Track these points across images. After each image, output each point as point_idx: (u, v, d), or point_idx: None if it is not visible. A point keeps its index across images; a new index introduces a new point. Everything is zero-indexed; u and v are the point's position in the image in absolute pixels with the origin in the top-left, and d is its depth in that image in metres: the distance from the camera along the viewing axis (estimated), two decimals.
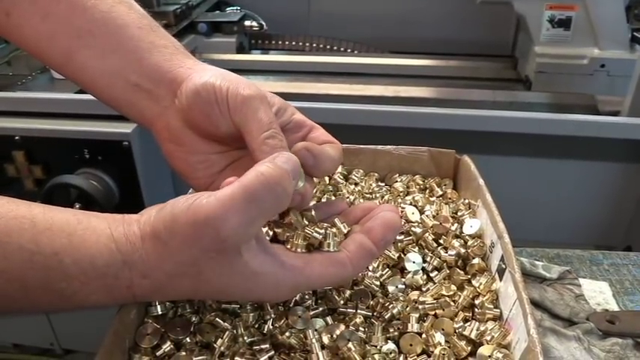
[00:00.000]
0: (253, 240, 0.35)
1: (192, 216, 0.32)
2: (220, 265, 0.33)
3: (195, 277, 0.34)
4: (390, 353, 0.40)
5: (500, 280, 0.44)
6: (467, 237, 0.50)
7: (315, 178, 0.55)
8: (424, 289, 0.46)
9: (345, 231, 0.41)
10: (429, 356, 0.40)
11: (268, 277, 0.35)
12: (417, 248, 0.49)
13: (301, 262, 0.37)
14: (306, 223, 0.40)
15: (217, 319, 0.41)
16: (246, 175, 0.33)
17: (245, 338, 0.40)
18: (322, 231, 0.38)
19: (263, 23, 1.41)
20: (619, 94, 1.04)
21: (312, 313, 0.42)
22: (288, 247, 0.38)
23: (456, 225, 0.51)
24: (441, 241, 0.50)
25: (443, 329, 0.41)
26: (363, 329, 0.41)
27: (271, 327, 0.41)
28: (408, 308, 0.43)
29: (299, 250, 0.38)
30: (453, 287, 0.45)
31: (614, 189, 0.95)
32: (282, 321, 0.41)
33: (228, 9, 1.52)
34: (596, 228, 0.99)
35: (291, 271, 0.36)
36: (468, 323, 0.42)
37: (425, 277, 0.47)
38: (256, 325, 0.42)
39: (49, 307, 0.35)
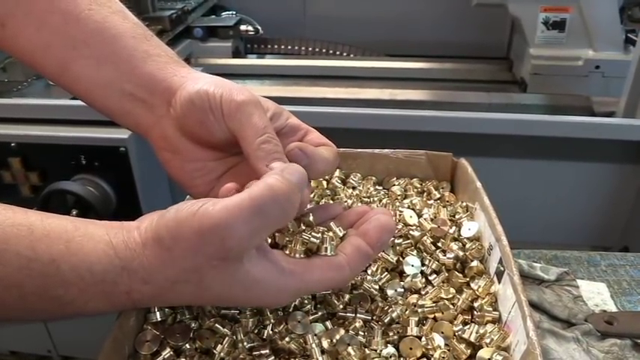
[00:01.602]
0: (254, 249, 0.35)
1: (198, 223, 0.32)
2: (222, 273, 0.33)
3: (197, 284, 0.34)
4: (390, 357, 0.40)
5: (499, 282, 0.44)
6: (465, 240, 0.50)
7: (312, 182, 0.55)
8: (423, 292, 0.46)
9: (341, 234, 0.41)
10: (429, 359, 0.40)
11: (269, 284, 0.35)
12: (415, 251, 0.49)
13: (300, 268, 0.37)
14: (303, 227, 0.40)
15: (217, 324, 0.41)
16: (254, 187, 0.34)
17: (245, 344, 0.40)
18: (319, 235, 0.39)
19: (259, 27, 1.42)
20: (614, 95, 1.05)
21: (311, 317, 0.42)
22: (287, 252, 0.38)
23: (454, 228, 0.51)
24: (440, 244, 0.50)
25: (442, 332, 0.42)
26: (362, 333, 0.41)
27: (271, 332, 0.41)
28: (407, 312, 0.43)
29: (297, 255, 0.38)
30: (452, 290, 0.45)
31: (610, 190, 0.95)
32: (282, 326, 0.41)
33: (223, 13, 1.52)
34: (593, 229, 0.99)
35: (291, 277, 0.36)
36: (468, 326, 0.42)
37: (424, 280, 0.47)
38: (256, 331, 0.42)
39: (47, 314, 0.35)
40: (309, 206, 0.50)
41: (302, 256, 0.38)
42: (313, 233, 0.39)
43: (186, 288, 0.34)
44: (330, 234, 0.40)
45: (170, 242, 0.33)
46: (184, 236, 0.32)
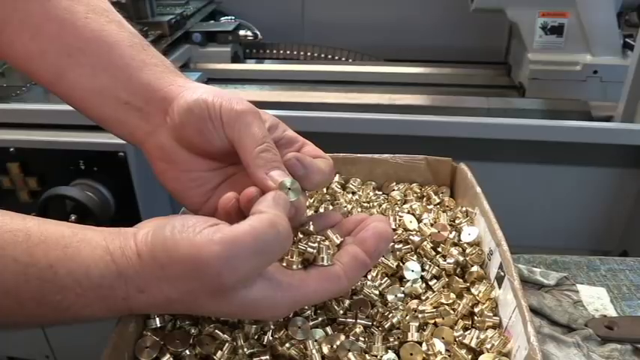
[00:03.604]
0: None
1: (194, 252, 0.32)
2: (217, 298, 0.33)
3: (192, 303, 0.34)
4: None
5: (499, 287, 0.44)
6: (465, 245, 0.50)
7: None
8: (423, 297, 0.46)
9: (338, 242, 0.41)
10: None
11: (266, 301, 0.35)
12: (415, 257, 0.49)
13: (297, 280, 0.37)
14: (301, 236, 0.40)
15: (217, 330, 0.41)
16: (256, 221, 0.33)
17: (245, 350, 0.40)
18: (316, 245, 0.38)
19: (257, 32, 1.42)
20: (612, 100, 1.05)
21: (311, 323, 0.42)
22: (284, 264, 0.38)
23: (453, 233, 0.51)
24: (440, 250, 0.50)
25: (443, 338, 0.41)
26: (363, 339, 0.41)
27: (271, 338, 0.41)
28: (407, 317, 0.43)
29: (294, 267, 0.37)
30: (452, 295, 0.45)
31: (609, 194, 0.95)
32: (282, 332, 0.41)
33: (222, 19, 1.52)
34: (592, 233, 0.99)
35: (289, 291, 0.36)
36: (468, 331, 0.42)
37: (424, 285, 0.47)
38: (256, 337, 0.42)
39: (45, 320, 0.35)
40: (309, 213, 0.50)
41: (299, 267, 0.38)
42: (310, 243, 0.38)
43: (180, 305, 0.34)
44: (327, 243, 0.40)
45: (165, 261, 0.32)
46: (180, 260, 0.32)
